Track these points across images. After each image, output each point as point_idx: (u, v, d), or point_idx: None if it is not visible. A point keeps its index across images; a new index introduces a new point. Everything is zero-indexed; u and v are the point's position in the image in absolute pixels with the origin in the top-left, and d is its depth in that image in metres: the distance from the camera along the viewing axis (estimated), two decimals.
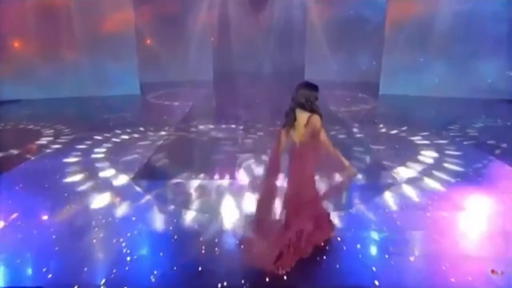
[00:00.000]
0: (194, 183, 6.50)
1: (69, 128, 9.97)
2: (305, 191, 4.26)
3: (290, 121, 4.24)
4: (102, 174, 6.99)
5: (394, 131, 9.69)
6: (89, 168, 7.23)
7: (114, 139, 9.03)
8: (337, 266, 4.35)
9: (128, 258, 4.50)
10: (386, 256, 4.50)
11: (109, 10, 14.17)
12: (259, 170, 6.95)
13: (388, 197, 5.97)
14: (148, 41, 16.65)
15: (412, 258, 4.46)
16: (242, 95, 14.41)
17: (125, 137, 9.29)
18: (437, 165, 7.34)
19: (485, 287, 3.98)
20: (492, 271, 4.12)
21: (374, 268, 4.28)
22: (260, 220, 4.49)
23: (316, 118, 4.11)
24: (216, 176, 6.76)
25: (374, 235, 4.92)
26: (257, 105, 12.63)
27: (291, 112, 4.23)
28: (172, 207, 5.70)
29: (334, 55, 16.14)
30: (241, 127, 9.97)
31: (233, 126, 10.20)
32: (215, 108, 13.54)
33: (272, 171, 4.42)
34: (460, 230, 5.12)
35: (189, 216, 5.41)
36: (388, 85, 14.42)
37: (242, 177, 6.77)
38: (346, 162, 4.38)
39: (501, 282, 4.02)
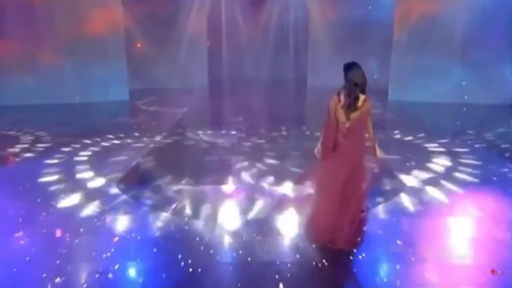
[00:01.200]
0: (183, 189, 6.53)
1: (50, 135, 9.95)
2: (359, 171, 4.67)
3: (354, 103, 4.47)
4: (89, 183, 6.96)
5: (408, 138, 9.71)
6: (70, 174, 7.24)
7: (95, 147, 9.03)
8: (342, 273, 4.34)
9: (112, 265, 4.43)
10: (393, 262, 4.51)
11: (95, 11, 14.02)
12: (253, 176, 7.08)
13: (398, 203, 5.99)
14: (139, 44, 16.66)
15: (421, 265, 4.45)
16: (239, 102, 14.42)
17: (112, 143, 9.32)
18: (451, 172, 7.32)
19: None
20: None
21: (381, 275, 4.31)
22: (322, 200, 4.74)
23: (370, 101, 4.57)
24: (208, 182, 6.82)
25: (382, 242, 4.91)
26: (253, 113, 12.67)
27: (356, 93, 4.46)
28: (159, 212, 5.68)
29: (338, 59, 15.98)
30: (237, 134, 10.02)
31: (227, 133, 10.24)
32: (209, 115, 13.58)
33: (331, 154, 4.64)
34: (470, 236, 5.16)
35: (177, 222, 5.39)
36: (398, 91, 14.37)
37: (236, 182, 6.83)
38: (378, 147, 4.82)
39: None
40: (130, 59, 15.11)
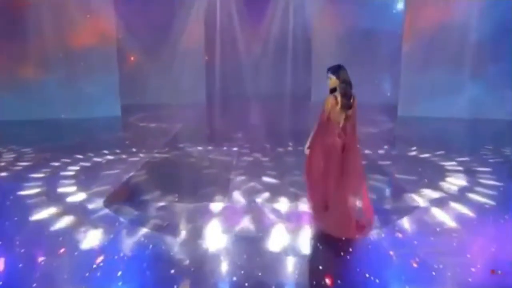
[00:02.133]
0: (176, 206, 6.44)
1: (34, 152, 9.85)
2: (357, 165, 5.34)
3: (350, 102, 5.09)
4: (69, 198, 6.88)
5: (425, 155, 9.59)
6: (53, 191, 7.15)
7: (84, 163, 8.93)
8: None
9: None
10: (406, 284, 4.39)
11: (85, 20, 13.98)
12: (251, 195, 6.96)
13: (412, 221, 5.88)
14: (132, 58, 16.70)
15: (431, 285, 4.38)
16: (239, 118, 14.38)
17: (100, 160, 9.25)
18: (468, 192, 7.15)
19: None
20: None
21: None
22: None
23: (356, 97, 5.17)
24: (203, 199, 6.71)
25: (392, 261, 4.83)
26: (254, 129, 12.65)
27: (351, 93, 5.11)
28: (149, 231, 5.56)
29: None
30: (236, 151, 9.98)
31: (226, 149, 10.19)
32: (205, 132, 13.40)
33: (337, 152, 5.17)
34: (487, 257, 4.98)
35: (167, 241, 5.26)
36: (408, 106, 14.41)
37: (232, 201, 6.74)
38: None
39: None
40: (122, 72, 15.11)
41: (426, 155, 9.52)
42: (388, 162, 8.95)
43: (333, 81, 5.09)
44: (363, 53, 16.04)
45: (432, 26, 13.99)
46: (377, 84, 16.58)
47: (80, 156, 9.27)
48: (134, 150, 9.99)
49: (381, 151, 9.91)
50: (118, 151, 9.85)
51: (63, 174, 8.09)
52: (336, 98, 5.04)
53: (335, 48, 16.13)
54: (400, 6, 16.15)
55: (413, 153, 9.81)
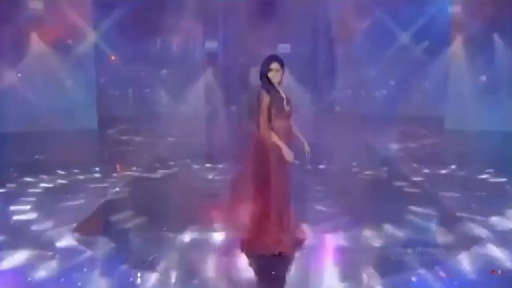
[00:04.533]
0: (161, 237, 6.00)
1: None
2: None
3: None
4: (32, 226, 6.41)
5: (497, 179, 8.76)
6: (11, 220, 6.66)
7: (45, 184, 8.44)
8: None
9: None
10: None
11: (57, 16, 13.64)
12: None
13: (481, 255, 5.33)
14: (113, 58, 16.50)
15: None
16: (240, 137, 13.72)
17: (70, 180, 8.79)
18: None
19: None
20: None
21: None
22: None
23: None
24: (194, 228, 6.24)
25: None
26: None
27: None
28: (131, 268, 5.04)
29: (374, 79, 15.62)
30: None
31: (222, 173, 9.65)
32: (198, 148, 12.59)
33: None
34: None
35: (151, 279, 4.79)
36: (456, 118, 14.10)
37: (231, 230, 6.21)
38: None
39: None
40: (100, 79, 15.26)
41: (502, 179, 8.56)
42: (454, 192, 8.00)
43: (280, 73, 4.95)
44: (402, 58, 15.92)
45: (485, 25, 13.73)
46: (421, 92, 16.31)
47: (36, 179, 8.71)
48: (114, 170, 9.77)
49: (444, 171, 9.39)
50: (94, 170, 9.54)
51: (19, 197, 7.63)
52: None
53: (362, 48, 16.02)
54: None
55: (485, 175, 8.95)
